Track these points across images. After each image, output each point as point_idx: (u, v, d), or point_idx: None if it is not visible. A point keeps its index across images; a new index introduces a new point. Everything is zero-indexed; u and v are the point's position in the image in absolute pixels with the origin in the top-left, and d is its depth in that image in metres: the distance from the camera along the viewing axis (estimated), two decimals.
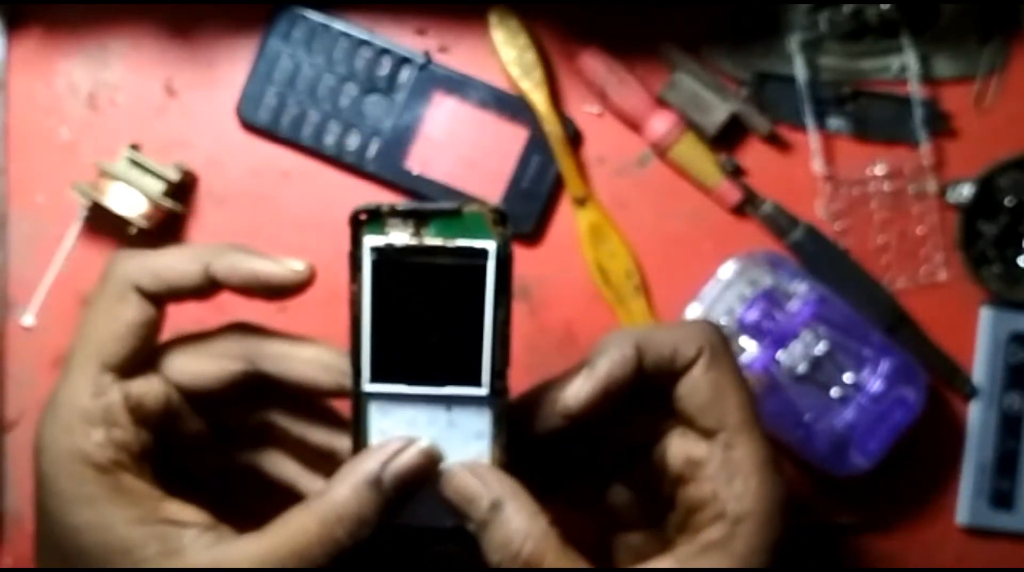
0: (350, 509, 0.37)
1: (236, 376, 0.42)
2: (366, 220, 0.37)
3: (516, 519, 0.37)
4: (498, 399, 0.38)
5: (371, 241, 0.37)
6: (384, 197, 0.56)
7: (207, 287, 0.41)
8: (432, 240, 0.37)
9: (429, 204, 0.37)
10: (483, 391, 0.38)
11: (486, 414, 0.38)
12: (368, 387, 0.38)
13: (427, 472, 0.38)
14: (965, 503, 0.57)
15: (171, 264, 0.41)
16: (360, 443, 0.39)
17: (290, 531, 0.37)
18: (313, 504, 0.37)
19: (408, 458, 0.37)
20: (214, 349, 0.42)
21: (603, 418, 0.40)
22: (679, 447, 0.40)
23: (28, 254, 0.56)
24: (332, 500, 0.37)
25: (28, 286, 0.56)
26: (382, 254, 0.37)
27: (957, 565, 0.57)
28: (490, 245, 0.36)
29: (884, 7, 0.55)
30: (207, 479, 0.45)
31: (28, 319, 0.56)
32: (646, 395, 0.40)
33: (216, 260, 0.41)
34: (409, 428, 0.38)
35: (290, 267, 0.41)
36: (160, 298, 0.41)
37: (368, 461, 0.37)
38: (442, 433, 0.38)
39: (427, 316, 0.37)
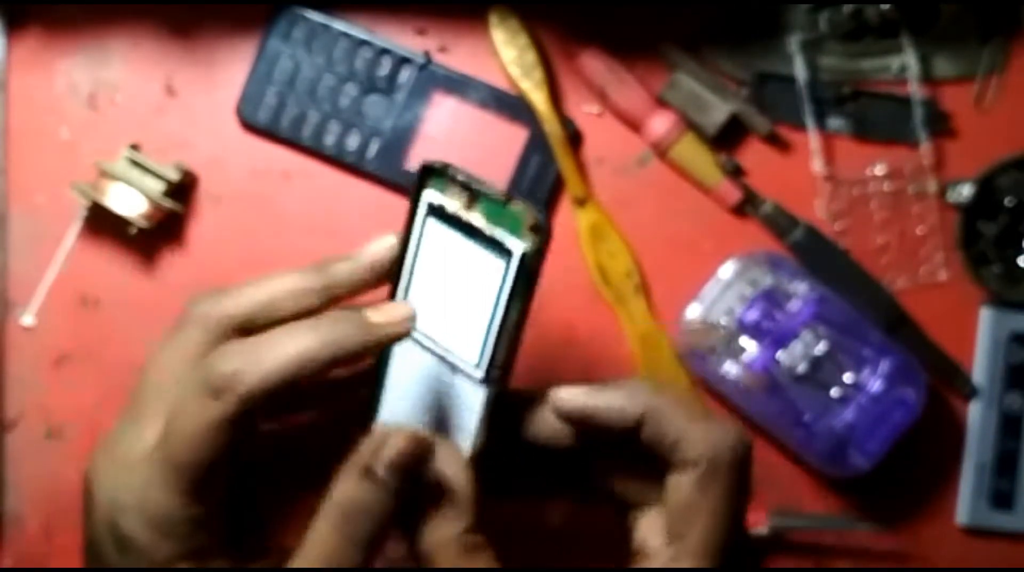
0: (354, 505, 0.37)
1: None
2: (432, 173, 0.38)
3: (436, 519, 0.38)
4: (490, 387, 0.38)
5: (429, 195, 0.38)
6: (384, 197, 0.56)
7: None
8: (476, 218, 0.37)
9: (485, 184, 0.37)
10: (478, 373, 0.38)
11: (480, 395, 0.39)
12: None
13: (418, 456, 0.37)
14: (965, 503, 0.57)
15: (267, 304, 0.40)
16: (378, 383, 0.40)
17: (315, 548, 0.37)
18: (323, 509, 0.37)
19: (395, 443, 0.37)
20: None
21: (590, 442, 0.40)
22: (649, 523, 0.40)
23: (28, 254, 0.56)
24: (336, 501, 0.37)
25: (28, 286, 0.56)
26: (433, 210, 0.38)
27: (957, 565, 0.57)
28: (517, 248, 0.36)
29: (884, 7, 0.55)
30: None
31: (28, 319, 0.56)
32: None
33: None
34: (419, 378, 0.40)
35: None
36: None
37: (358, 454, 0.37)
38: (445, 394, 0.39)
39: (453, 283, 0.38)
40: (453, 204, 0.38)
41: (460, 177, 0.38)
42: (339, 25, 0.55)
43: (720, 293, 0.54)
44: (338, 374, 0.43)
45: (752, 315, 0.53)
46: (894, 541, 0.57)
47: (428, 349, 0.40)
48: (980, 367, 0.56)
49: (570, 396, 0.39)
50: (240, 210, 0.56)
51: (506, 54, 0.55)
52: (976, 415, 0.57)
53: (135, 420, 0.40)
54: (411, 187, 0.39)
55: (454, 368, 0.39)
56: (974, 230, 0.56)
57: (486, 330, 0.38)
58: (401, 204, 0.57)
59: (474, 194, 0.37)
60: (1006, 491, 0.56)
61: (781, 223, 0.56)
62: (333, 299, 0.42)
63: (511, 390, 0.39)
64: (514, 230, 0.37)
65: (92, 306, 0.56)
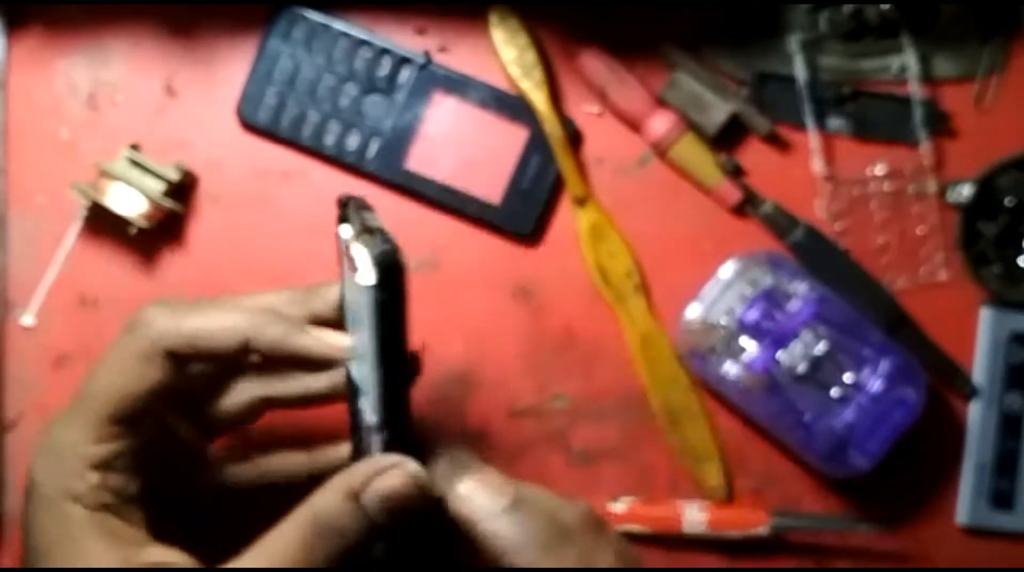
0: (329, 522, 0.36)
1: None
2: (343, 207, 0.39)
3: None
4: (382, 433, 0.38)
5: (343, 229, 0.39)
6: (384, 197, 0.56)
7: (241, 357, 0.40)
8: (357, 252, 0.37)
9: (365, 217, 0.38)
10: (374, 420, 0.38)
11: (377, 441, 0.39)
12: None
13: (412, 500, 0.37)
14: (965, 503, 0.57)
15: (209, 332, 0.40)
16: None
17: (275, 549, 0.36)
18: (296, 514, 0.37)
19: (393, 479, 0.37)
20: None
21: None
22: None
23: (28, 254, 0.56)
24: (312, 511, 0.36)
25: (28, 286, 0.56)
26: (345, 246, 0.39)
27: (957, 565, 0.57)
28: (367, 281, 0.36)
29: (884, 7, 0.55)
30: (198, 506, 0.44)
31: (28, 319, 0.56)
32: None
33: (259, 335, 0.40)
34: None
35: (329, 342, 0.40)
36: (189, 362, 0.40)
37: (352, 474, 0.37)
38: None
39: (358, 316, 0.38)
40: (348, 237, 0.38)
41: (352, 210, 0.39)
42: (339, 25, 0.55)
43: (720, 293, 0.54)
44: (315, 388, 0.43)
45: (752, 315, 0.53)
46: (894, 541, 0.57)
47: (365, 393, 0.39)
48: (980, 367, 0.56)
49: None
50: (240, 210, 0.56)
51: (506, 54, 0.55)
52: (976, 415, 0.57)
53: (70, 415, 0.40)
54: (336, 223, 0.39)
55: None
56: (974, 230, 0.56)
57: (371, 376, 0.37)
58: (401, 204, 0.57)
59: (362, 228, 0.38)
60: (1006, 491, 0.56)
61: (781, 223, 0.56)
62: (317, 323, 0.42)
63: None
64: (372, 258, 0.36)
65: (92, 306, 0.56)
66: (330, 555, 0.36)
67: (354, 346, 0.39)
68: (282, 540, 0.36)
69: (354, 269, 0.37)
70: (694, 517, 0.55)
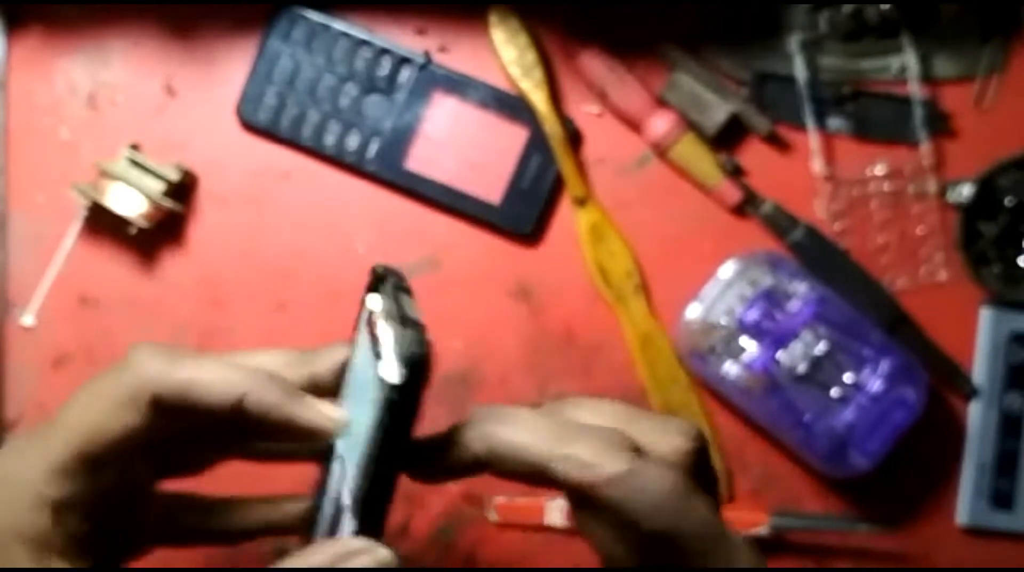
0: None
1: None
2: (378, 278, 0.36)
3: None
4: (354, 516, 0.35)
5: (371, 299, 0.36)
6: (384, 197, 0.56)
7: (231, 417, 0.36)
8: (384, 334, 0.34)
9: (401, 300, 0.35)
10: (347, 501, 0.35)
11: (348, 525, 0.35)
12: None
13: None
14: (965, 503, 0.57)
15: (204, 385, 0.35)
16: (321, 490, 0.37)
17: None
18: None
19: (360, 563, 0.33)
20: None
21: None
22: None
23: (28, 254, 0.56)
24: None
25: (28, 286, 0.56)
26: (368, 317, 0.36)
27: (957, 565, 0.57)
28: (388, 377, 0.32)
29: (884, 7, 0.55)
30: (146, 551, 0.41)
31: (28, 319, 0.56)
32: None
33: (256, 397, 0.35)
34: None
35: (329, 416, 0.36)
36: (173, 414, 0.36)
37: (317, 552, 0.34)
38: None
39: (358, 395, 0.36)
40: (377, 314, 0.35)
41: (389, 287, 0.35)
42: (339, 25, 0.55)
43: (720, 293, 0.54)
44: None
45: (752, 315, 0.53)
46: (894, 541, 0.57)
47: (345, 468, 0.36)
48: (980, 367, 0.56)
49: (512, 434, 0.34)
50: (240, 210, 0.56)
51: (506, 54, 0.55)
52: (976, 415, 0.57)
53: (31, 444, 0.36)
54: (364, 289, 0.36)
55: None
56: (974, 230, 0.56)
57: (358, 461, 0.34)
58: (401, 204, 0.57)
59: (394, 309, 0.34)
60: (1006, 491, 0.56)
61: (781, 223, 0.56)
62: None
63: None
64: (399, 355, 0.33)
65: (92, 306, 0.56)
66: None
67: (348, 416, 0.37)
68: None
69: (375, 349, 0.34)
70: None
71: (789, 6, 0.55)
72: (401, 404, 0.33)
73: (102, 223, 0.55)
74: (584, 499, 0.33)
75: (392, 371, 0.32)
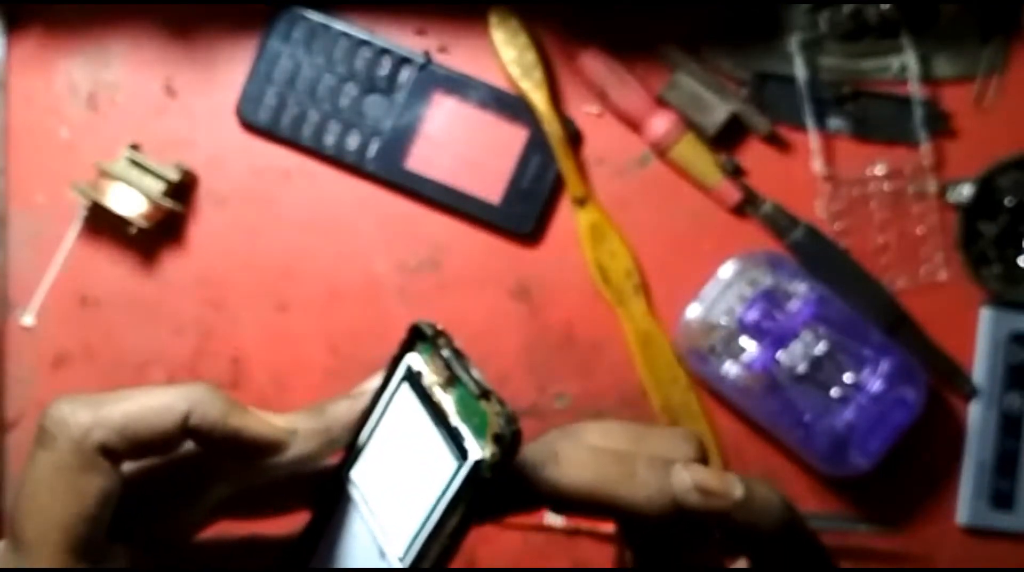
0: None
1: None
2: (421, 337, 0.34)
3: None
4: None
5: (411, 358, 0.34)
6: (384, 197, 0.56)
7: (182, 439, 0.34)
8: (447, 402, 0.33)
9: (469, 368, 0.33)
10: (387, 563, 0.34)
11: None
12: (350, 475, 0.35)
13: None
14: (965, 503, 0.57)
15: (142, 415, 0.33)
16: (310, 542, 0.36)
17: None
18: None
19: None
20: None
21: None
22: None
23: (28, 254, 0.56)
24: None
25: (28, 286, 0.56)
26: (410, 376, 0.34)
27: (957, 565, 0.57)
28: (474, 453, 0.31)
29: (884, 7, 0.55)
30: None
31: (28, 319, 0.56)
32: None
33: (200, 413, 0.33)
34: (350, 549, 0.35)
35: (279, 428, 0.35)
36: (128, 456, 0.33)
37: None
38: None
39: (404, 461, 0.34)
40: (430, 378, 0.33)
41: (445, 352, 0.33)
42: (339, 25, 0.55)
43: (720, 293, 0.54)
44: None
45: (752, 315, 0.53)
46: (894, 541, 0.57)
47: (366, 520, 0.35)
48: (980, 367, 0.56)
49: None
50: (240, 210, 0.56)
51: (506, 54, 0.55)
52: (976, 415, 0.57)
53: (13, 557, 0.33)
54: (399, 345, 0.34)
55: (381, 553, 0.34)
56: (974, 230, 0.56)
57: (419, 526, 0.33)
58: (401, 204, 0.57)
59: (454, 375, 0.33)
60: (1006, 491, 0.56)
61: (781, 223, 0.56)
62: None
63: None
64: (479, 431, 0.31)
65: (92, 306, 0.56)
66: None
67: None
68: None
69: (443, 422, 0.33)
70: None
71: (789, 6, 0.55)
72: (492, 481, 0.31)
73: (102, 223, 0.55)
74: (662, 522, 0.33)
75: (483, 450, 0.31)
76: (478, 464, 0.31)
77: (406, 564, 0.33)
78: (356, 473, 0.35)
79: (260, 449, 0.34)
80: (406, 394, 0.34)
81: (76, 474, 0.31)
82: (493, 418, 0.31)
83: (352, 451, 0.35)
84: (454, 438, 0.32)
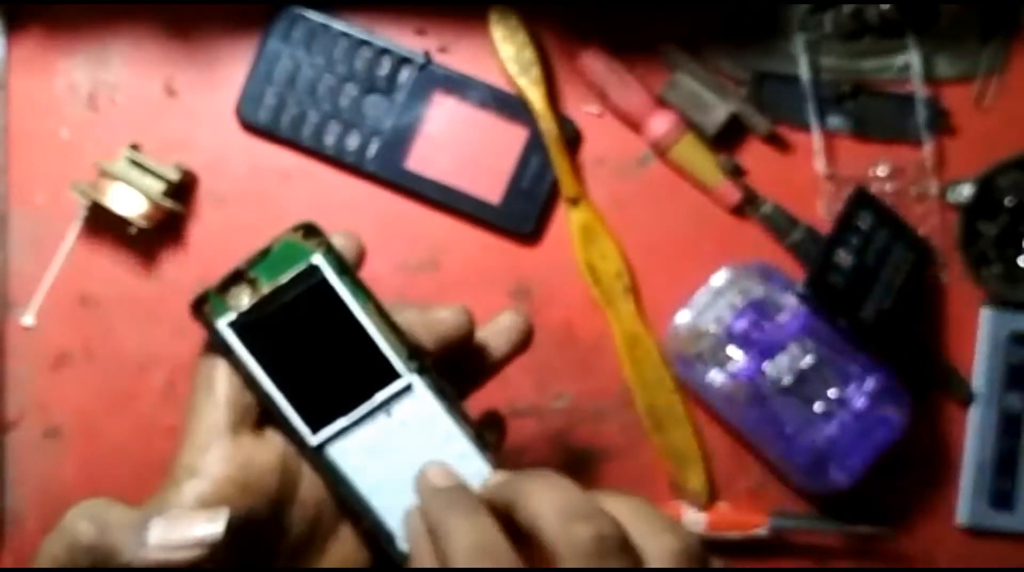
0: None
1: None
2: (205, 305, 0.38)
3: None
4: (426, 377, 0.38)
5: (222, 321, 0.37)
6: (384, 197, 0.56)
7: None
8: (268, 287, 0.37)
9: (242, 260, 0.38)
10: (405, 380, 0.38)
11: (427, 398, 0.38)
12: (314, 440, 0.38)
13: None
14: (965, 503, 0.57)
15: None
16: (344, 492, 0.38)
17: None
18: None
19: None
20: None
21: None
22: None
23: (28, 254, 0.56)
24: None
25: (28, 286, 0.56)
26: (236, 326, 0.37)
27: (957, 565, 0.57)
28: (316, 259, 0.37)
29: (885, 7, 0.55)
30: None
31: (28, 319, 0.56)
32: None
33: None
34: (370, 452, 0.38)
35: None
36: None
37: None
38: (399, 436, 0.38)
39: (313, 349, 0.38)
40: (240, 301, 0.38)
41: (219, 282, 0.38)
42: (339, 25, 0.55)
43: (711, 300, 0.54)
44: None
45: (741, 324, 0.53)
46: (894, 541, 0.57)
47: (354, 427, 0.38)
48: (980, 367, 0.56)
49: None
50: (240, 210, 0.56)
51: (504, 50, 0.54)
52: (976, 415, 0.56)
53: None
54: (207, 332, 0.38)
55: (387, 407, 0.38)
56: (974, 230, 0.56)
57: (370, 340, 0.37)
58: (401, 204, 0.57)
59: (241, 275, 0.38)
60: (1006, 491, 0.56)
61: (781, 224, 0.56)
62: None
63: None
64: (299, 257, 0.37)
65: (92, 306, 0.56)
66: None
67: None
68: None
69: (278, 306, 0.37)
70: (694, 518, 0.55)
71: (789, 6, 0.55)
72: (339, 259, 0.37)
73: (102, 223, 0.55)
74: None
75: (314, 254, 0.37)
76: (324, 257, 0.37)
77: (401, 364, 0.37)
78: (309, 421, 0.38)
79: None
80: (249, 332, 0.37)
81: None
82: (293, 238, 0.38)
83: (290, 427, 0.38)
84: (299, 282, 0.37)
